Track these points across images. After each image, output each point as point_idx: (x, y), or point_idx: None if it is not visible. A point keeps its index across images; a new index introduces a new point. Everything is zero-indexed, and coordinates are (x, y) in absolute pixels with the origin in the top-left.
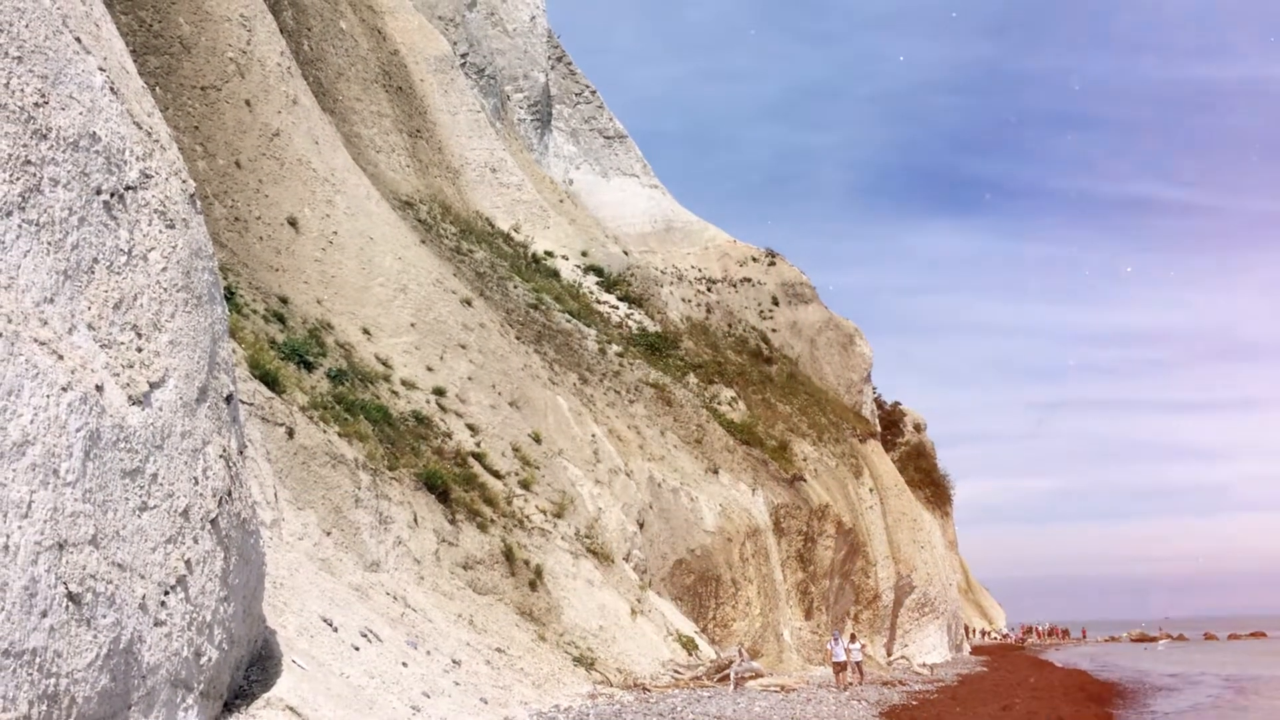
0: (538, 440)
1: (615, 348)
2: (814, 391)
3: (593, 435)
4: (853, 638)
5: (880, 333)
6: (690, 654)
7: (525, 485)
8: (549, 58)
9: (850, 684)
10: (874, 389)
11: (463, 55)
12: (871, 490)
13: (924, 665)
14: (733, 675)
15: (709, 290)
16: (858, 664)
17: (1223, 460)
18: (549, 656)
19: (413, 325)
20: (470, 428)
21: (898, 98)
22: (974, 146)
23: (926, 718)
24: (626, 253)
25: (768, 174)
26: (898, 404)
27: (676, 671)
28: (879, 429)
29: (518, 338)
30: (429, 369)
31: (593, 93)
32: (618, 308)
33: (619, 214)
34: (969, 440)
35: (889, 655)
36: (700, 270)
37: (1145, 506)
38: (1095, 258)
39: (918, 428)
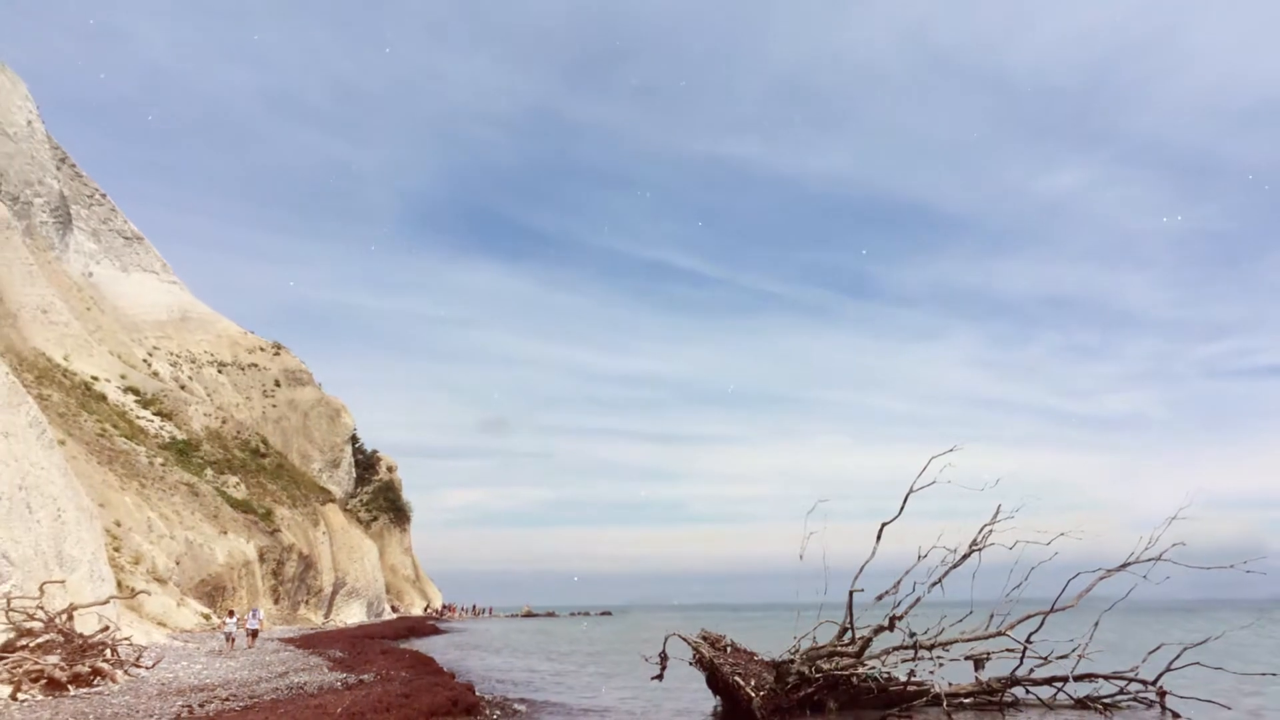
0: (118, 524)
1: (159, 459)
2: (294, 474)
3: (148, 517)
4: (254, 612)
5: (421, 357)
6: (208, 620)
7: (117, 550)
8: (54, 160)
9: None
10: (357, 442)
11: None
12: (324, 532)
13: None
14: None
15: (220, 371)
16: (254, 631)
17: (680, 481)
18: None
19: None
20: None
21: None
22: (524, 192)
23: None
24: (156, 375)
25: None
26: (375, 451)
27: (204, 625)
28: (351, 486)
29: (99, 462)
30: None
31: (103, 196)
32: (153, 421)
33: (139, 304)
34: (485, 454)
35: (325, 620)
36: (213, 355)
37: (623, 515)
38: (615, 311)
39: (390, 469)
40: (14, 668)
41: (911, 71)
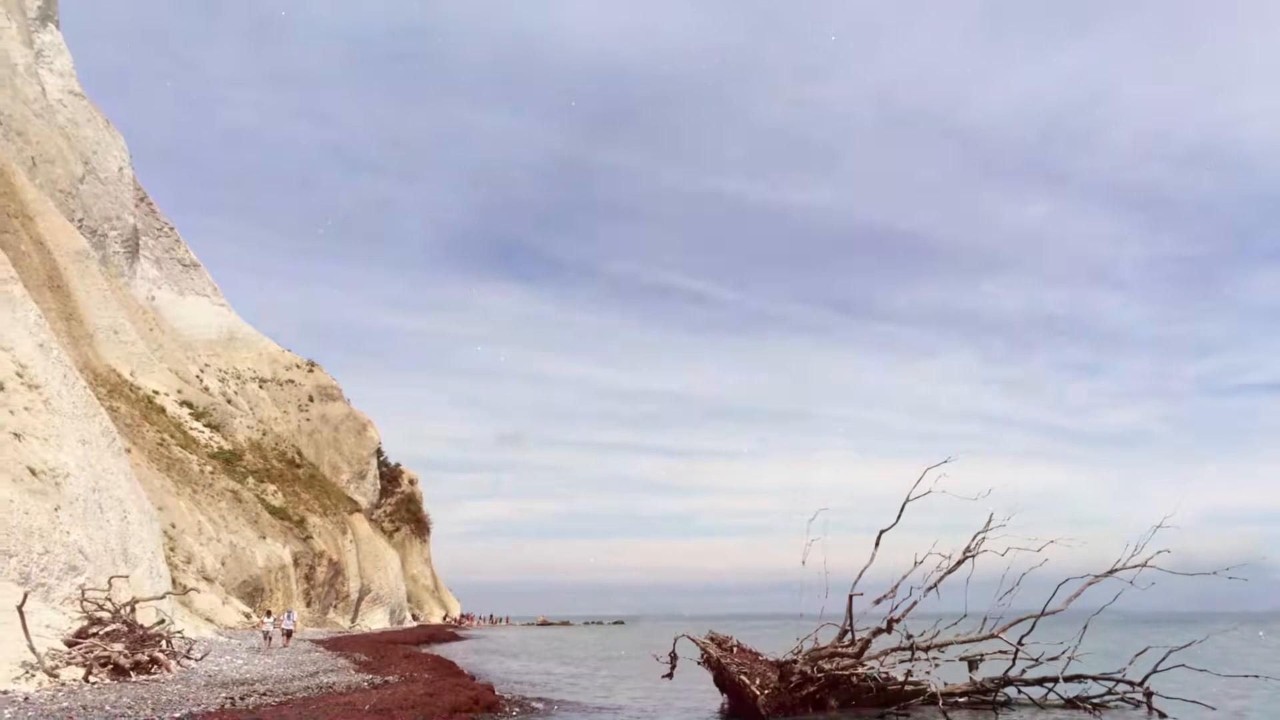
0: (174, 526)
1: (208, 467)
2: (325, 485)
3: (199, 521)
4: (288, 613)
5: (442, 374)
6: (248, 619)
7: (172, 550)
8: (134, 199)
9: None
10: (381, 454)
11: (79, 221)
12: (352, 541)
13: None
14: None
15: (261, 387)
16: (288, 631)
17: (689, 495)
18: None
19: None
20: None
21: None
22: (546, 224)
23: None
24: (207, 390)
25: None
26: (399, 465)
27: (245, 623)
28: (376, 498)
29: (158, 469)
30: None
31: (171, 229)
32: (204, 433)
33: (193, 324)
34: (501, 468)
35: (352, 624)
36: (255, 372)
37: (634, 527)
38: (627, 331)
39: (411, 481)
40: (86, 652)
41: (883, 124)
